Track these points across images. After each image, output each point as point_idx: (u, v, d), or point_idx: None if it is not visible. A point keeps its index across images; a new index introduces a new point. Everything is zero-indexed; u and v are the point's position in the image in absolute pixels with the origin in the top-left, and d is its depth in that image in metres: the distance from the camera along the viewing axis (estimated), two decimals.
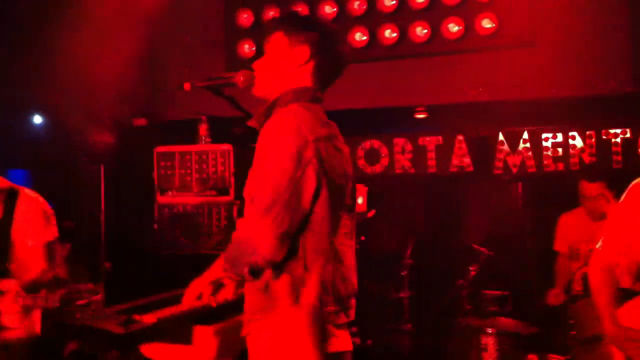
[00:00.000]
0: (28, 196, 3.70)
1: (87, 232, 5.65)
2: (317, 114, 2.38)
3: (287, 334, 2.26)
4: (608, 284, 2.89)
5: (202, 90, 2.85)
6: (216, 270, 2.48)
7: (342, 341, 2.36)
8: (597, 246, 2.91)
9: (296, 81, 2.45)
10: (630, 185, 2.77)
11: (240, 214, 4.90)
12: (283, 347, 2.26)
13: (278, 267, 2.26)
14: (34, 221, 3.62)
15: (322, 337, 2.29)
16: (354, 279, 2.42)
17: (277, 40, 2.48)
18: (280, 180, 2.20)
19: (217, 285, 2.51)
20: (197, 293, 2.55)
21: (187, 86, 2.84)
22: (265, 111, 2.44)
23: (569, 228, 4.79)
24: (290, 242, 2.24)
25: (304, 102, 2.40)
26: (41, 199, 3.76)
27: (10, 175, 6.86)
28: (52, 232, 3.69)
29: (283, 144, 2.22)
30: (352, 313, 2.41)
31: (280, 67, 2.46)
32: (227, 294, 2.52)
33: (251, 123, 2.48)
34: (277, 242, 2.20)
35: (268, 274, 2.28)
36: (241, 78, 2.61)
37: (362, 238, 4.96)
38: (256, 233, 2.20)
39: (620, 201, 2.79)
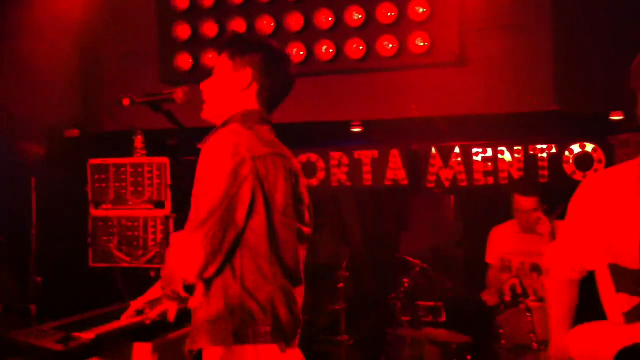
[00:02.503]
0: None
1: (17, 246, 5.49)
2: (260, 134, 2.40)
3: (219, 353, 2.28)
4: (564, 299, 2.46)
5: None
6: (156, 289, 2.49)
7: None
8: (551, 254, 2.51)
9: (242, 104, 2.48)
10: (584, 182, 2.38)
11: (177, 227, 4.88)
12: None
13: (214, 285, 2.29)
14: None
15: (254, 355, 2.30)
16: (297, 305, 2.42)
17: (222, 63, 2.52)
18: (214, 196, 2.23)
19: (156, 304, 2.52)
20: (136, 310, 2.55)
21: (125, 101, 2.85)
22: (214, 133, 2.45)
23: (500, 240, 4.96)
24: (226, 260, 2.27)
25: (251, 124, 2.42)
26: None
27: None
28: None
29: (220, 161, 2.26)
30: (295, 341, 2.41)
31: (226, 90, 2.49)
32: (168, 315, 2.51)
33: (201, 145, 2.46)
34: (208, 257, 2.22)
35: (202, 293, 2.30)
36: (180, 94, 2.65)
37: None
38: (188, 248, 2.23)
39: (575, 201, 2.37)
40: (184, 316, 2.61)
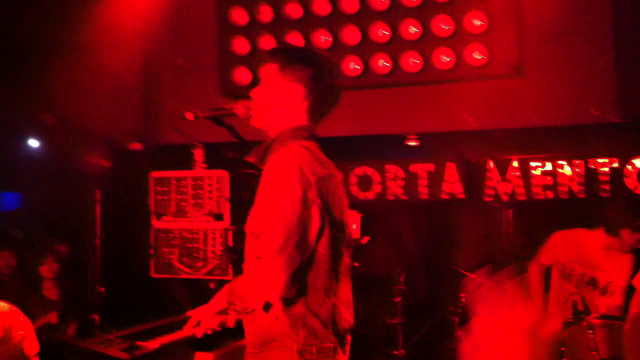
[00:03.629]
0: None
1: (82, 256, 5.67)
2: (315, 154, 2.43)
3: None
4: None
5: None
6: (220, 301, 2.53)
7: None
8: None
9: (292, 119, 2.49)
10: None
11: (236, 240, 4.96)
12: None
13: (289, 305, 2.33)
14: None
15: None
16: (349, 315, 2.46)
17: (272, 74, 2.52)
18: (290, 221, 2.26)
19: (220, 315, 2.57)
20: (199, 321, 2.61)
21: (189, 116, 2.90)
22: (265, 148, 2.50)
23: (563, 245, 4.82)
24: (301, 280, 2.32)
25: (301, 140, 2.45)
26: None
27: (3, 197, 6.91)
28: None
29: (289, 186, 2.29)
30: (348, 349, 2.46)
31: (275, 105, 2.50)
32: (228, 322, 2.59)
33: (250, 158, 2.53)
34: (291, 280, 2.27)
35: (280, 310, 2.34)
36: (242, 109, 2.68)
37: (356, 264, 5.01)
38: (270, 272, 2.27)
39: None
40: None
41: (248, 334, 2.45)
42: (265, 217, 2.34)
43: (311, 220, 2.30)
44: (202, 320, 2.58)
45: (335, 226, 2.39)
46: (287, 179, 2.30)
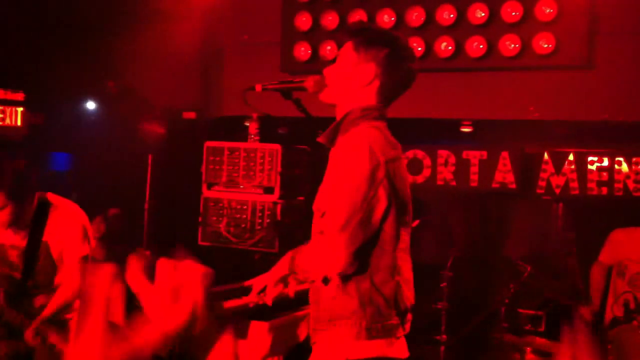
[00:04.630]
0: (65, 211, 3.63)
1: (130, 219, 5.74)
2: (385, 134, 2.44)
3: (350, 346, 2.35)
4: None
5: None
6: (282, 269, 2.54)
7: (400, 349, 2.41)
8: None
9: (362, 99, 2.49)
10: None
11: (284, 214, 4.96)
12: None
13: (347, 281, 2.36)
14: (70, 237, 3.60)
15: (382, 348, 2.35)
16: (410, 293, 2.48)
17: (346, 53, 2.53)
18: (355, 199, 2.28)
19: (282, 283, 2.59)
20: (261, 287, 2.61)
21: (258, 87, 2.89)
22: (334, 129, 2.51)
23: (623, 243, 4.73)
24: (363, 258, 2.33)
25: (371, 120, 2.45)
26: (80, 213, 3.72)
27: (54, 158, 7.03)
28: (86, 248, 3.68)
29: (358, 164, 2.30)
30: (408, 327, 2.47)
31: (348, 83, 2.50)
32: (288, 292, 2.60)
33: (320, 139, 2.55)
34: (351, 256, 2.29)
35: (336, 285, 2.36)
36: (311, 83, 2.66)
37: None
38: (332, 247, 2.29)
39: None
40: (301, 298, 2.67)
41: (314, 310, 2.48)
42: (333, 196, 2.35)
43: (378, 200, 2.30)
44: (267, 287, 2.59)
45: (400, 207, 2.39)
46: (355, 157, 2.31)
